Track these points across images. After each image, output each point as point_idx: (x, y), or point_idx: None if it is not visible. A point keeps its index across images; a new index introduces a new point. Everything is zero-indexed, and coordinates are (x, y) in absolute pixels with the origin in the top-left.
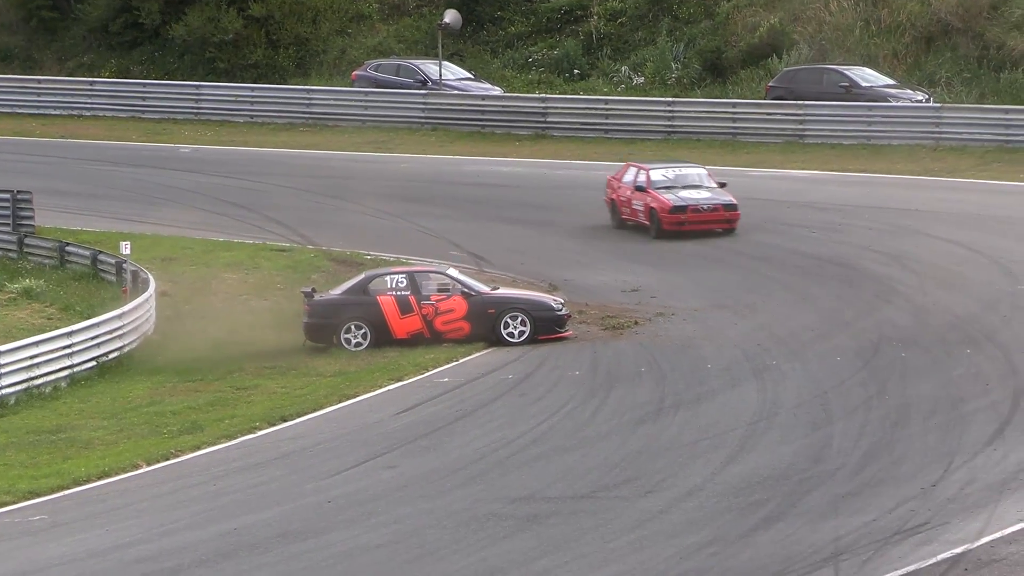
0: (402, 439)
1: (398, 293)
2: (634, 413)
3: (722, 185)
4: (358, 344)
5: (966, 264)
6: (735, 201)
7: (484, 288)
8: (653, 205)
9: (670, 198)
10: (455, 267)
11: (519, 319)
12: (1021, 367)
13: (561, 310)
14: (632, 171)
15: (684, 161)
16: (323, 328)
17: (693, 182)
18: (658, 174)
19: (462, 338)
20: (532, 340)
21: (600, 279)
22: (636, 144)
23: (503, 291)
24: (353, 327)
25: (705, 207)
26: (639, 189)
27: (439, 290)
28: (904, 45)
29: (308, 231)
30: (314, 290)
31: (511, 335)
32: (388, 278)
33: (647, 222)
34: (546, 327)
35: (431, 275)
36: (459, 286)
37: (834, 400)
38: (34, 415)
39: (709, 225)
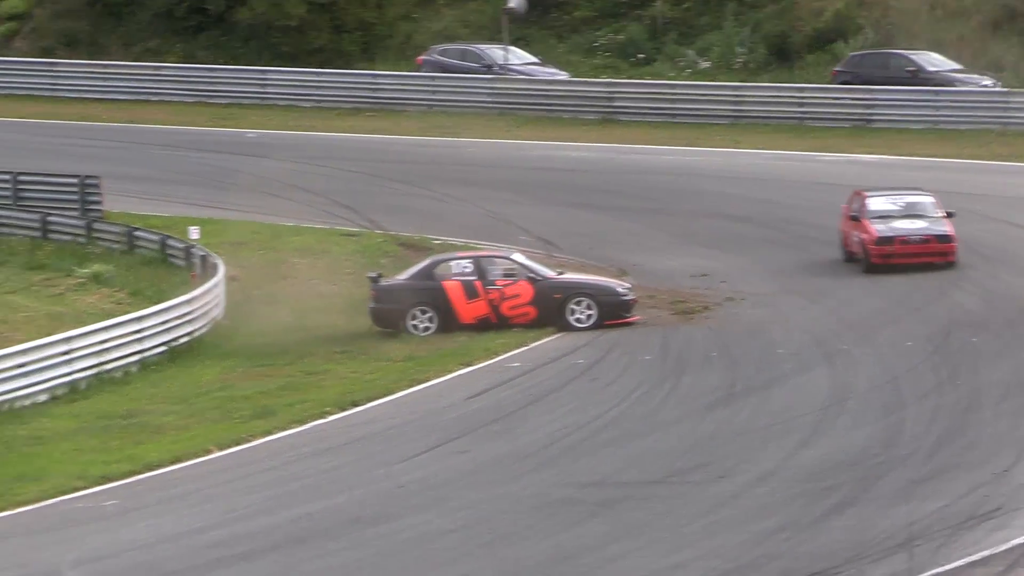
0: (473, 424)
1: (464, 278)
2: (705, 398)
3: (950, 215)
4: (425, 329)
5: None
6: (950, 232)
7: (550, 273)
8: (862, 236)
9: (879, 229)
10: (521, 252)
11: (585, 304)
12: None
13: (627, 295)
14: (858, 200)
15: (913, 188)
16: (389, 313)
17: (915, 211)
18: (878, 202)
19: (528, 323)
20: (598, 325)
21: (669, 264)
22: (703, 128)
23: (569, 276)
24: (419, 312)
25: (914, 238)
26: (853, 219)
27: (505, 275)
28: (970, 30)
29: (376, 216)
30: (380, 275)
31: (577, 320)
32: (454, 263)
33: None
34: (612, 312)
35: (497, 260)
36: (525, 271)
37: (905, 385)
38: (105, 400)
39: (920, 258)
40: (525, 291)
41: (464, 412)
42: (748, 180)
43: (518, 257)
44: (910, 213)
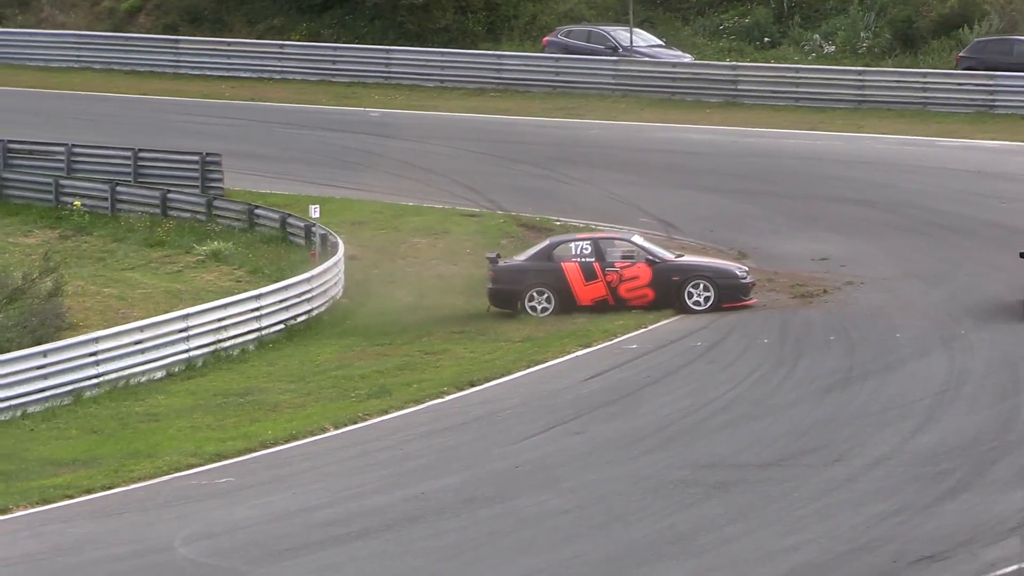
0: (590, 405)
1: (583, 260)
2: (822, 381)
3: None
4: (543, 310)
5: None
6: None
7: (669, 255)
8: None
9: None
10: (640, 234)
11: (703, 287)
12: None
13: (746, 278)
14: None
15: None
16: (507, 294)
17: None
18: None
19: (646, 305)
20: (716, 308)
21: (789, 247)
22: (826, 112)
23: (688, 258)
24: (537, 293)
25: None
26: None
27: (623, 257)
28: None
29: (497, 196)
30: (499, 256)
31: (696, 303)
32: (573, 244)
33: None
34: (730, 295)
35: (616, 242)
36: (643, 253)
37: (1022, 370)
38: (222, 377)
39: None
40: (643, 273)
41: (581, 393)
42: (870, 164)
43: (637, 239)
44: None
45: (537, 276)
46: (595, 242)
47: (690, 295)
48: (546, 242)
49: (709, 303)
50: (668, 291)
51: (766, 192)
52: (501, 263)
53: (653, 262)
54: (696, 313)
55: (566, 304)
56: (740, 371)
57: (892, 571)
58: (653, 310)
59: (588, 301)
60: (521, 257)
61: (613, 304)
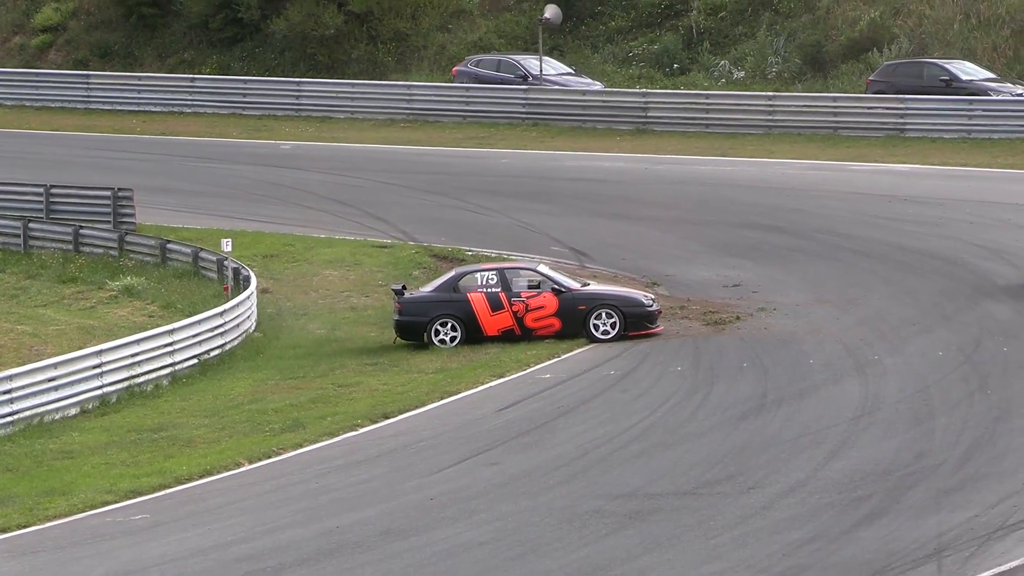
0: (504, 436)
1: (488, 290)
2: (736, 409)
3: None
4: (450, 340)
5: None
6: None
7: (575, 284)
8: None
9: None
10: (548, 263)
11: (608, 315)
12: None
13: (652, 306)
14: None
15: None
16: (413, 326)
17: None
18: None
19: (552, 335)
20: (622, 336)
21: (702, 274)
22: (737, 139)
23: (593, 287)
24: (442, 325)
25: None
26: None
27: (529, 287)
28: (1003, 39)
29: (409, 227)
30: (404, 287)
31: (604, 332)
32: (479, 275)
33: None
34: (636, 323)
35: (521, 272)
36: (549, 282)
37: (936, 395)
38: (136, 413)
39: None
40: (550, 303)
41: (495, 424)
42: (781, 190)
43: (543, 268)
44: None
45: (443, 307)
46: (501, 272)
47: (596, 324)
48: (451, 273)
49: (615, 331)
50: (574, 320)
51: (677, 219)
52: (407, 295)
53: (559, 291)
54: (602, 342)
55: (473, 335)
56: (654, 399)
57: None
58: (565, 339)
59: (495, 331)
60: (427, 288)
61: (520, 334)
